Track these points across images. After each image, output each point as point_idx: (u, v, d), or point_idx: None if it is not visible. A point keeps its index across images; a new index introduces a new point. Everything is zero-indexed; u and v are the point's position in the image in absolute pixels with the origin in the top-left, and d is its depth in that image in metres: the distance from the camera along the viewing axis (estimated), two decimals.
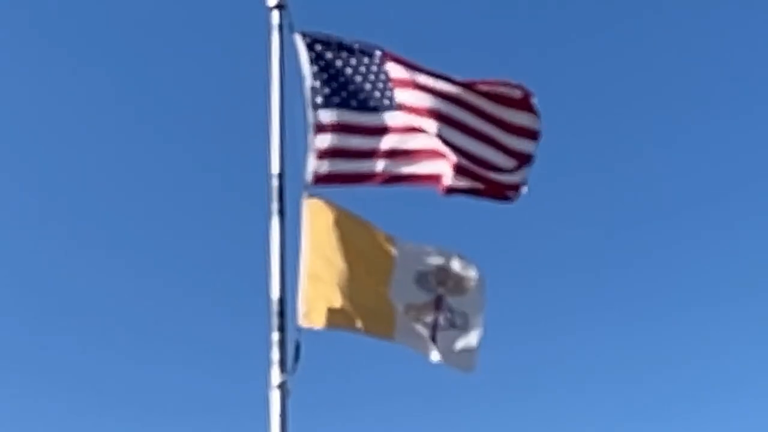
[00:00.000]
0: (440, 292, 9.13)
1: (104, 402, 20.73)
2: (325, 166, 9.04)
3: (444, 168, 9.18)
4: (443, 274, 9.17)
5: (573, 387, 21.84)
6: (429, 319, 9.06)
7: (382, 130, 9.21)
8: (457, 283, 9.19)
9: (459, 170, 9.13)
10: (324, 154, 9.06)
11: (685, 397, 22.37)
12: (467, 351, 9.12)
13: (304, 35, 9.36)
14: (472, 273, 9.23)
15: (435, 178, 9.22)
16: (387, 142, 9.21)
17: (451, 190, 9.21)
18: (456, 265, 9.21)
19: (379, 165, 9.17)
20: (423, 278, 9.13)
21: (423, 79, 9.32)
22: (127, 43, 22.82)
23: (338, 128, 9.13)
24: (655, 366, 22.11)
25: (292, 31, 9.37)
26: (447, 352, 9.06)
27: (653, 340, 22.48)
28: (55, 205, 22.89)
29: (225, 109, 22.19)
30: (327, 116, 9.15)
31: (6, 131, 22.47)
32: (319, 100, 9.17)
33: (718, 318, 22.77)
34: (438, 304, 9.11)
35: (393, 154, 9.20)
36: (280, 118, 9.11)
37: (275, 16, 9.36)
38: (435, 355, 9.04)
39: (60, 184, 22.83)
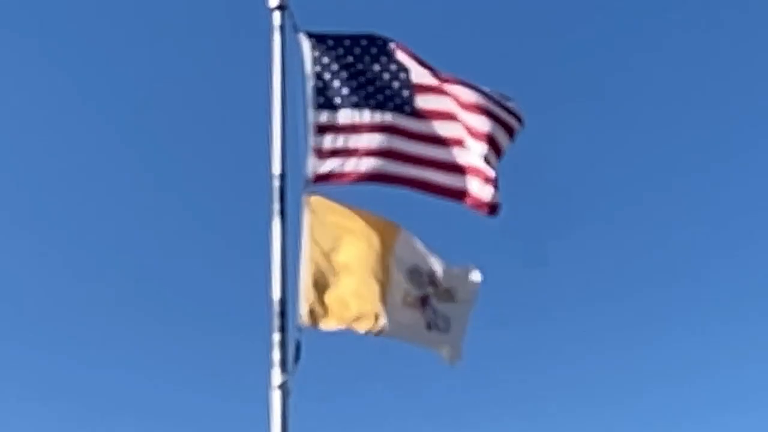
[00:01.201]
0: (428, 291, 9.15)
1: (101, 406, 20.78)
2: (325, 165, 9.06)
3: (454, 180, 9.26)
4: (436, 279, 9.19)
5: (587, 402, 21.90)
6: (418, 310, 9.09)
7: (385, 129, 9.23)
8: (448, 292, 9.22)
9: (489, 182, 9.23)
10: (324, 153, 9.08)
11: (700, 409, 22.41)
12: (448, 347, 9.16)
13: (308, 35, 9.39)
14: (467, 285, 9.27)
15: (447, 191, 9.30)
16: (389, 141, 9.22)
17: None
18: (450, 276, 9.24)
19: (382, 164, 9.18)
20: (416, 274, 9.15)
21: (446, 86, 9.40)
22: (128, 44, 22.86)
23: (338, 127, 9.15)
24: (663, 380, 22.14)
25: (295, 31, 9.39)
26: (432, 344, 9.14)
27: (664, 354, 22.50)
28: (55, 205, 22.93)
29: (226, 110, 22.20)
30: (327, 115, 9.17)
31: (7, 131, 22.52)
32: (320, 99, 9.19)
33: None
34: (424, 302, 9.13)
35: (397, 155, 9.22)
36: (281, 119, 9.13)
37: (276, 17, 9.38)
38: (425, 342, 9.07)
39: (60, 184, 22.85)
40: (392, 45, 9.48)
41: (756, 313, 22.43)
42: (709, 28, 24.46)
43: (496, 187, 9.19)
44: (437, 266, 9.23)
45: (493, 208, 9.20)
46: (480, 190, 9.21)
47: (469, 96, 9.38)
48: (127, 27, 22.54)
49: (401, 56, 9.46)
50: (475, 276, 9.32)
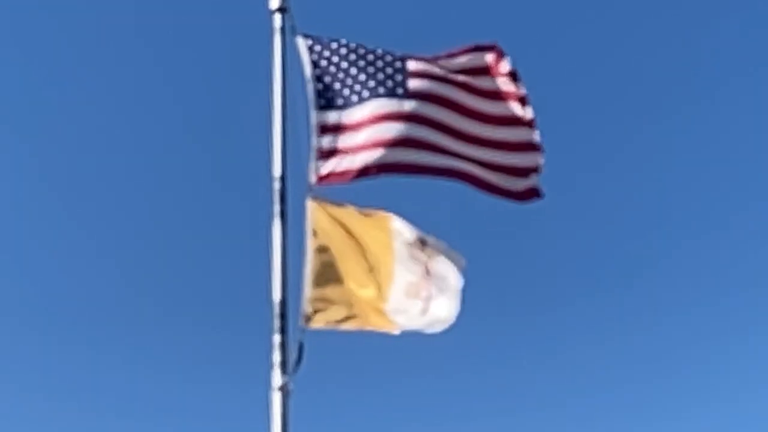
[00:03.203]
0: (424, 258, 9.15)
1: (103, 406, 20.79)
2: (328, 166, 9.08)
3: (460, 164, 9.32)
4: (423, 240, 9.20)
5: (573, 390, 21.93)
6: (424, 292, 9.08)
7: (380, 118, 9.23)
8: (434, 246, 9.22)
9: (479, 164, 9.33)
10: (327, 154, 9.10)
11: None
12: (449, 312, 9.14)
13: (306, 37, 9.41)
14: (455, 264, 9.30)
15: (451, 173, 9.34)
16: (391, 132, 9.23)
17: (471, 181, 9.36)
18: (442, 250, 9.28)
19: (383, 156, 9.19)
20: (413, 251, 9.15)
21: (439, 70, 9.45)
22: (128, 46, 22.89)
23: (338, 127, 9.17)
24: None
25: (294, 34, 9.42)
26: (435, 320, 9.10)
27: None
28: (54, 205, 22.93)
29: (227, 111, 22.22)
30: (328, 116, 9.18)
31: (7, 130, 22.54)
32: (321, 101, 9.21)
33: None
34: (427, 272, 9.13)
35: (399, 143, 9.22)
36: (282, 120, 9.15)
37: (277, 19, 9.40)
38: (428, 327, 9.08)
39: (61, 185, 22.87)
40: (397, 52, 9.52)
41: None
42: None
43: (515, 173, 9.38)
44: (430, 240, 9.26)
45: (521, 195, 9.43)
46: (493, 177, 9.35)
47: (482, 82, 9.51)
48: (128, 29, 22.58)
49: (411, 64, 9.49)
50: (460, 261, 9.32)
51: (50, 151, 22.87)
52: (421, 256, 9.14)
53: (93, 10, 22.63)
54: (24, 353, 21.27)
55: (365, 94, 9.28)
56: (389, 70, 9.38)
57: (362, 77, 9.32)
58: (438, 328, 9.13)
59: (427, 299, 9.06)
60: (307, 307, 8.77)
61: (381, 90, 9.31)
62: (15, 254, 22.25)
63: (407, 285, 9.06)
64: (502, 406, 21.59)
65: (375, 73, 9.35)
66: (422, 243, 9.17)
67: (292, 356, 8.55)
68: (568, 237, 23.26)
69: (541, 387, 21.65)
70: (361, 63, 9.37)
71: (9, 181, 22.55)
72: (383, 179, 9.24)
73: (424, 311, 9.05)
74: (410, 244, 9.14)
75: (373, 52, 9.42)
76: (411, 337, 9.12)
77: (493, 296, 20.99)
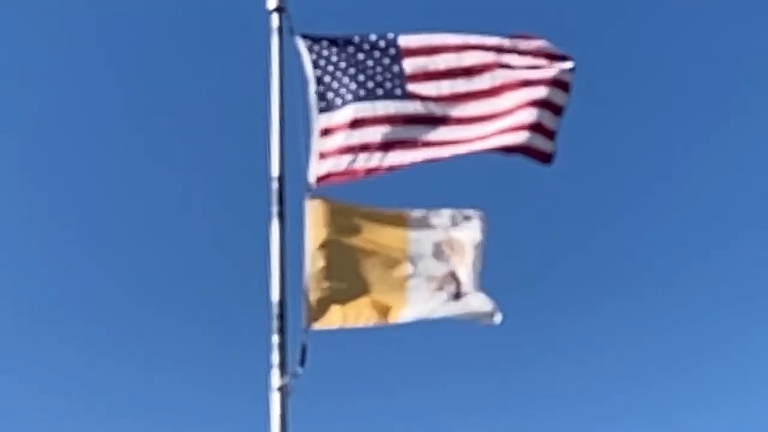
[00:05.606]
0: (455, 261, 9.11)
1: (102, 407, 20.79)
2: (327, 166, 9.08)
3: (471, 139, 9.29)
4: (456, 241, 9.16)
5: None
6: (449, 288, 9.03)
7: (388, 120, 9.22)
8: (463, 248, 9.18)
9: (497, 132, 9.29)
10: (326, 154, 9.10)
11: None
12: (483, 308, 9.08)
13: (305, 37, 9.41)
14: (474, 233, 9.23)
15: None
16: (394, 133, 9.22)
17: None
18: (462, 227, 9.21)
19: (384, 157, 9.18)
20: (439, 250, 9.13)
21: (445, 59, 9.42)
22: (126, 46, 22.86)
23: (338, 127, 9.17)
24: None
25: (292, 34, 9.41)
26: (471, 311, 9.03)
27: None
28: (52, 206, 22.91)
29: (225, 112, 22.22)
30: (329, 118, 9.18)
31: (5, 130, 22.54)
32: (322, 104, 9.22)
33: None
34: (454, 274, 9.09)
35: (402, 143, 9.21)
36: (280, 121, 9.14)
37: (275, 19, 9.40)
38: (453, 311, 9.01)
39: (60, 186, 22.85)
40: (393, 50, 9.47)
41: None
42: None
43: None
44: (451, 223, 9.21)
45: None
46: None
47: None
48: (125, 29, 22.57)
49: (404, 50, 9.44)
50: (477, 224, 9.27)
51: (49, 151, 22.86)
52: (450, 253, 9.12)
53: (91, 10, 22.64)
54: (24, 353, 21.28)
55: (363, 94, 9.28)
56: (387, 74, 9.38)
57: (361, 78, 9.32)
58: (473, 319, 9.04)
59: (457, 289, 9.02)
60: (309, 308, 8.76)
61: (380, 92, 9.31)
62: (12, 253, 22.26)
63: (428, 278, 9.03)
64: (505, 407, 21.59)
65: (374, 75, 9.35)
66: (456, 242, 9.15)
67: (292, 357, 8.56)
68: (578, 239, 23.32)
69: (546, 389, 21.67)
70: (361, 66, 9.36)
71: (6, 181, 22.58)
72: (382, 180, 9.27)
73: (457, 297, 8.98)
74: (435, 242, 9.13)
75: (371, 53, 9.40)
76: (411, 338, 9.14)
77: (498, 298, 20.94)
